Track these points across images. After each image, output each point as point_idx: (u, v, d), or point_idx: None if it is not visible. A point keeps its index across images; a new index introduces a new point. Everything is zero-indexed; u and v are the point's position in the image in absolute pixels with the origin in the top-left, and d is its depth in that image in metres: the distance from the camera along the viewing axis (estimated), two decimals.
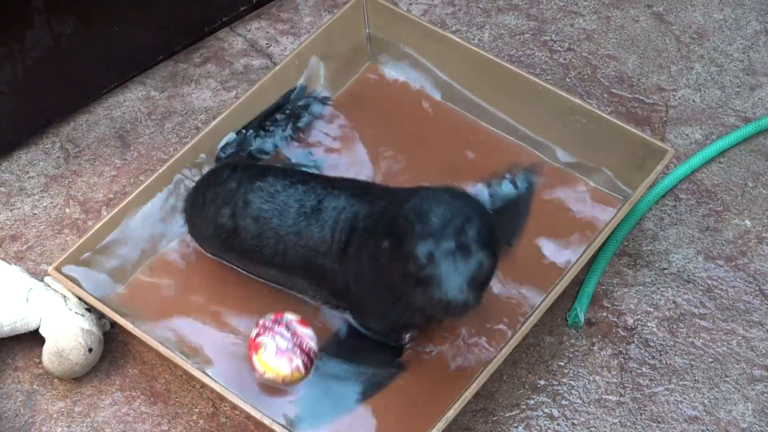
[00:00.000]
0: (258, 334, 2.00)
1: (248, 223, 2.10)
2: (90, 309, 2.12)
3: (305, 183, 2.11)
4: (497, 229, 1.90)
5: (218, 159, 2.33)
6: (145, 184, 2.23)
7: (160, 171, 2.25)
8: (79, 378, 2.13)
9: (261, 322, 2.01)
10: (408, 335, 2.11)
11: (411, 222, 1.83)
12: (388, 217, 1.93)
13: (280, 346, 1.97)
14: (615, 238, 2.29)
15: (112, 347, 2.18)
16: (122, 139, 2.53)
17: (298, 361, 1.97)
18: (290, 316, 2.02)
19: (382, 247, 1.90)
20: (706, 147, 2.48)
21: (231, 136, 2.34)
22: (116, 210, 2.19)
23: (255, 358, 1.99)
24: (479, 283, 1.83)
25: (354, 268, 2.02)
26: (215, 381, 1.97)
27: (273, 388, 2.05)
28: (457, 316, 1.88)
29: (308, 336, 2.00)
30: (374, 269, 1.98)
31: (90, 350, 2.08)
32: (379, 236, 1.92)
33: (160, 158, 2.48)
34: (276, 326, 1.99)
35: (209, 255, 2.24)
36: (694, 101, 2.60)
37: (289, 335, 1.98)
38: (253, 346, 2.00)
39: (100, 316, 2.13)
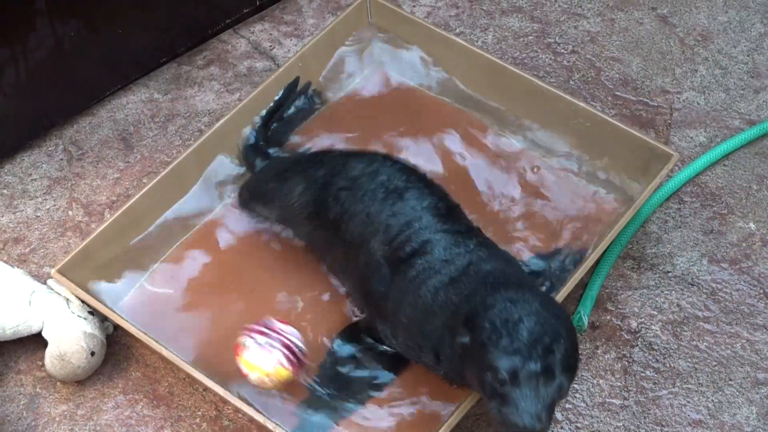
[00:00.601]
0: (239, 337, 1.98)
1: (340, 179, 2.12)
2: (93, 312, 2.12)
3: (397, 164, 2.15)
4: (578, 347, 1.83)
5: (247, 154, 2.36)
6: (148, 187, 2.23)
7: (163, 173, 2.25)
8: (81, 381, 2.13)
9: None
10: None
11: (498, 330, 1.74)
12: (470, 307, 1.83)
13: (259, 341, 1.95)
14: (619, 241, 2.28)
15: (115, 350, 2.18)
16: (125, 142, 2.53)
17: (278, 355, 1.93)
18: (270, 317, 2.00)
19: (459, 340, 1.81)
20: (710, 150, 2.48)
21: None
22: (119, 213, 2.19)
23: (239, 360, 1.96)
24: (554, 406, 1.75)
25: (403, 288, 1.97)
26: (218, 384, 1.96)
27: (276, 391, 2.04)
28: None
29: (289, 332, 1.97)
30: (424, 310, 1.93)
31: (92, 353, 2.07)
32: (459, 318, 1.84)
33: (163, 161, 2.48)
34: (254, 326, 1.98)
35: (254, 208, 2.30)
36: (698, 104, 2.60)
37: (267, 331, 1.96)
38: (236, 349, 1.97)
39: (102, 319, 2.13)
